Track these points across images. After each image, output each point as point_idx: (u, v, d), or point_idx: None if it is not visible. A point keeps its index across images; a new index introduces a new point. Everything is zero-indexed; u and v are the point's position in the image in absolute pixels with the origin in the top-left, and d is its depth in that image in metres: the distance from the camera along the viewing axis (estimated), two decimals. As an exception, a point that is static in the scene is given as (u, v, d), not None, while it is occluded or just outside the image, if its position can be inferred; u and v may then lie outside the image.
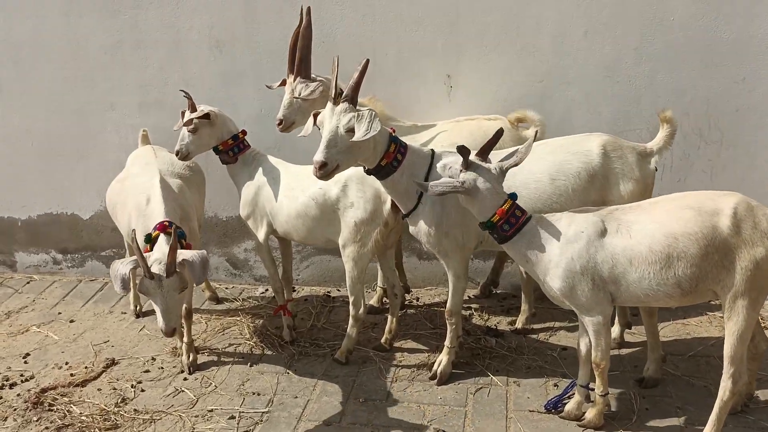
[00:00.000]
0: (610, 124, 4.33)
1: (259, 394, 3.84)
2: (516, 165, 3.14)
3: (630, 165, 3.48)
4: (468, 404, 3.68)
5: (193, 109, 3.95)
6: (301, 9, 3.90)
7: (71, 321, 4.73)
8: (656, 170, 3.56)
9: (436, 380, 3.85)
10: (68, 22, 4.70)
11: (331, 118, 3.29)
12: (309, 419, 3.60)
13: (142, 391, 3.92)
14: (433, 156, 3.52)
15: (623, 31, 4.16)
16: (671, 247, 2.94)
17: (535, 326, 4.40)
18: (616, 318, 4.10)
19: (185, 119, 3.90)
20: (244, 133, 4.10)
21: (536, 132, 3.62)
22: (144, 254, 3.32)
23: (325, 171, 3.28)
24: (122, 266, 3.34)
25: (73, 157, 5.04)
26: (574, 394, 3.54)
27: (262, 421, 3.61)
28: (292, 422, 3.58)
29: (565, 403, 3.56)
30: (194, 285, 3.76)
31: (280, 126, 3.96)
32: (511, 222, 3.12)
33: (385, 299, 4.67)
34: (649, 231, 2.99)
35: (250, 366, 4.11)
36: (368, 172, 3.45)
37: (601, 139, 3.52)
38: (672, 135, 3.53)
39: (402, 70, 4.42)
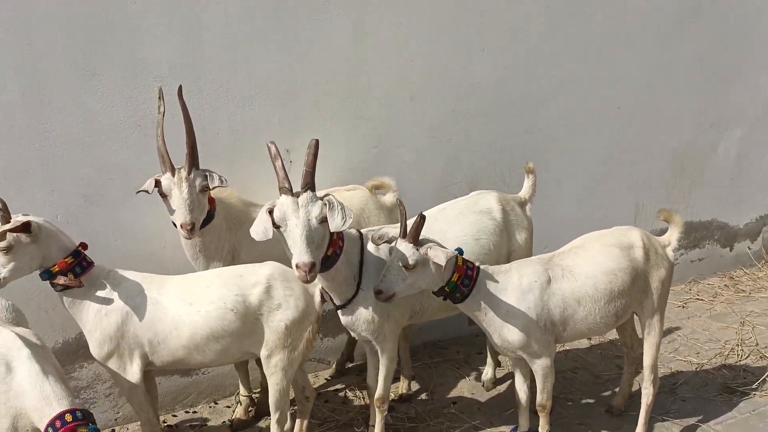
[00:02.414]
0: (437, 180, 4.60)
1: None
2: None
3: (520, 216, 3.78)
4: (421, 489, 3.47)
5: (6, 219, 2.91)
6: (159, 92, 3.30)
7: None
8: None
9: (375, 476, 3.54)
10: None
11: (297, 212, 2.82)
12: None
13: None
14: (361, 237, 3.26)
15: (442, 96, 4.47)
16: (612, 283, 3.30)
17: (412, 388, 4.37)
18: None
19: None
20: (84, 246, 3.15)
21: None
22: None
23: (315, 272, 2.83)
24: None
25: None
26: (515, 443, 3.66)
27: None
28: None
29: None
30: None
31: (192, 230, 3.18)
32: (469, 275, 3.13)
33: (250, 409, 4.07)
34: (591, 272, 3.30)
35: None
36: None
37: (494, 196, 3.74)
38: (535, 183, 3.95)
39: (237, 150, 3.96)
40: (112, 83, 3.60)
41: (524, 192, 3.93)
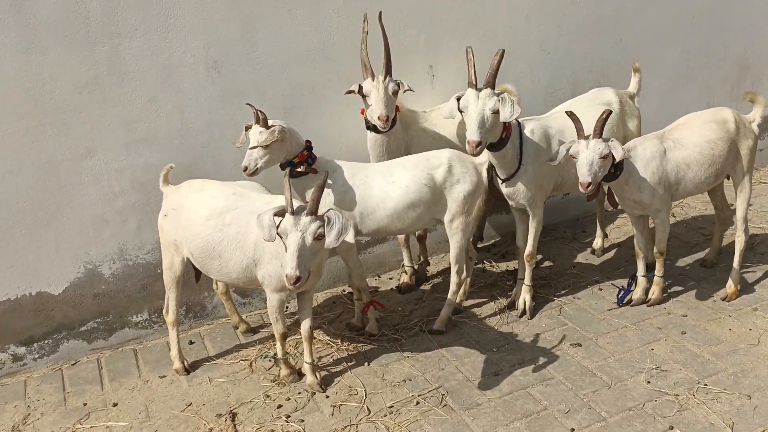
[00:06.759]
0: (545, 86, 5.49)
1: (409, 380, 4.02)
2: None
3: (631, 107, 4.69)
4: (567, 324, 4.47)
5: (264, 123, 3.86)
6: (365, 16, 4.25)
7: (114, 404, 4.04)
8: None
9: (527, 315, 4.55)
10: (28, 60, 3.92)
11: (477, 102, 3.75)
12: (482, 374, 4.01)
13: (302, 421, 3.76)
14: (519, 125, 4.20)
15: (550, 13, 5.32)
16: (713, 149, 4.22)
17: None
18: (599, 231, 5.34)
19: (263, 139, 3.81)
20: (309, 142, 4.12)
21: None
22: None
23: (480, 149, 3.74)
24: (265, 214, 3.33)
25: (39, 223, 4.19)
26: (634, 286, 4.63)
27: (445, 394, 3.88)
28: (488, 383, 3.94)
29: (623, 297, 4.62)
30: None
31: (387, 120, 4.10)
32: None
33: (413, 277, 5.10)
34: (696, 141, 4.22)
35: (368, 364, 4.21)
36: (491, 146, 3.97)
37: (612, 91, 4.65)
38: (641, 79, 4.84)
39: (393, 65, 4.84)
40: (303, 16, 4.51)
41: (632, 87, 4.83)
